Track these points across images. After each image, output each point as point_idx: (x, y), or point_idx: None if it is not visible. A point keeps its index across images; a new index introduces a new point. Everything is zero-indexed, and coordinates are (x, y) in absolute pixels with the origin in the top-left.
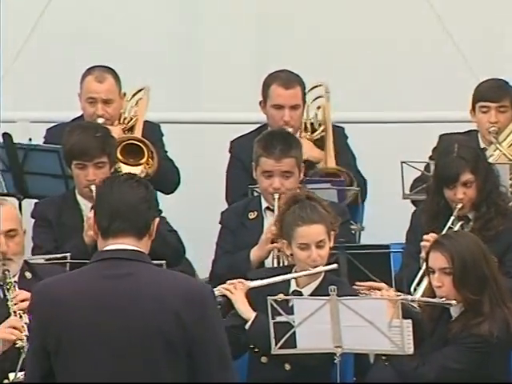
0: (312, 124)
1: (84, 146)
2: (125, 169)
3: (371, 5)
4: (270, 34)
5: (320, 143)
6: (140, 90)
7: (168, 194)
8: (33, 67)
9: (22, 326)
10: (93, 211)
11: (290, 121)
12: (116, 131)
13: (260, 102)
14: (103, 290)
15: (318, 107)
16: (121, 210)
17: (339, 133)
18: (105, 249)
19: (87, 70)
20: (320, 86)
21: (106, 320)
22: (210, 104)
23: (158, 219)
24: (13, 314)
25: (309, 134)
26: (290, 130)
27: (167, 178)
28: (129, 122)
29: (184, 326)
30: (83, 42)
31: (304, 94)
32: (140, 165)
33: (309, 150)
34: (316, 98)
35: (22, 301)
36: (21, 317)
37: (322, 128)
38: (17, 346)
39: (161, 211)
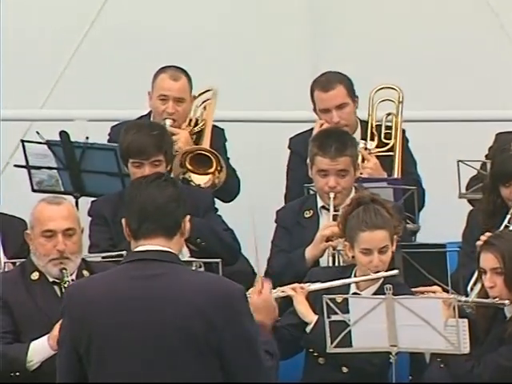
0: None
1: (140, 145)
2: (194, 178)
3: (427, 4)
4: (324, 32)
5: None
6: (207, 91)
7: (226, 202)
8: (91, 65)
9: None
10: None
11: (340, 121)
12: (183, 135)
13: (314, 109)
14: (132, 291)
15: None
16: (149, 211)
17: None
18: (135, 250)
19: (161, 68)
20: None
21: (134, 321)
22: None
23: (188, 217)
24: None
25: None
26: (346, 128)
27: (229, 188)
28: (195, 124)
29: (212, 327)
30: (142, 41)
31: (352, 91)
32: (208, 174)
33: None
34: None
35: None
36: None
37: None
38: None
39: (216, 209)
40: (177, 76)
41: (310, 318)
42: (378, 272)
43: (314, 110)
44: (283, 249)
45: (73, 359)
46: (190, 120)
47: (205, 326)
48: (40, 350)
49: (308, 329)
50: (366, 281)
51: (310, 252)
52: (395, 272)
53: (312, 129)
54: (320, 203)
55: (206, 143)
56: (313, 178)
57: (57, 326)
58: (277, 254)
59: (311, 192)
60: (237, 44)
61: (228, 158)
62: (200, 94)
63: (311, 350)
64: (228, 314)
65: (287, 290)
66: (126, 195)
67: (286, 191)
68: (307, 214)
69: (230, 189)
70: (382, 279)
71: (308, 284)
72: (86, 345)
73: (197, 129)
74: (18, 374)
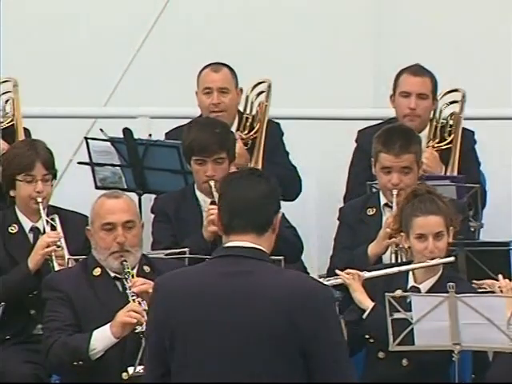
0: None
1: (203, 142)
2: None
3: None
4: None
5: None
6: (261, 83)
7: (289, 201)
8: (154, 63)
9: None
10: (213, 206)
11: (417, 109)
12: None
13: (390, 97)
14: (219, 287)
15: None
16: (240, 207)
17: (468, 137)
18: (225, 245)
19: (203, 67)
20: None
21: (219, 317)
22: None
23: (280, 214)
24: (132, 300)
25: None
26: (417, 119)
27: (290, 186)
28: (251, 122)
29: (296, 328)
30: (205, 39)
31: (435, 89)
32: None
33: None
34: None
35: (140, 285)
36: (139, 303)
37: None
38: (136, 331)
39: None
40: (217, 68)
41: (367, 304)
42: (433, 259)
43: (392, 98)
44: (346, 246)
45: (160, 351)
46: (246, 120)
47: (288, 326)
48: (102, 337)
49: (364, 315)
50: (422, 268)
51: (372, 249)
52: (451, 259)
53: (380, 123)
54: (383, 200)
55: (261, 143)
56: (376, 175)
57: (119, 314)
58: (340, 251)
59: (374, 189)
60: (299, 41)
61: (287, 153)
62: (254, 86)
63: (369, 339)
64: (312, 315)
65: (343, 277)
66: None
67: (348, 187)
68: (370, 212)
69: (291, 187)
70: (441, 272)
71: (364, 272)
72: (170, 338)
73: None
74: (80, 362)
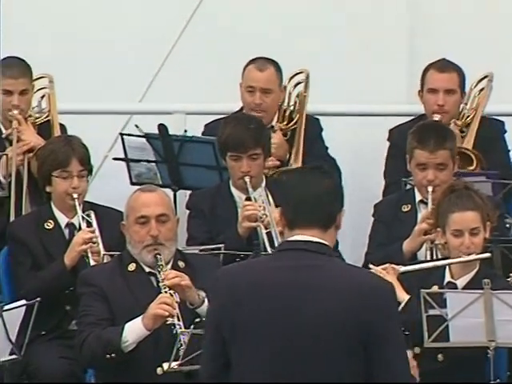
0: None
1: (239, 138)
2: None
3: None
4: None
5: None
6: (298, 73)
7: None
8: (189, 59)
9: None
10: (248, 202)
11: (445, 105)
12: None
13: (418, 92)
14: (281, 281)
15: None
16: (305, 202)
17: (497, 127)
18: (289, 239)
19: (250, 60)
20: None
21: (280, 311)
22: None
23: (343, 211)
24: (163, 292)
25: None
26: (445, 115)
27: None
28: (289, 116)
29: (361, 322)
30: (240, 34)
31: (463, 83)
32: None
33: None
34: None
35: (173, 278)
36: (171, 295)
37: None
38: (168, 323)
39: None
40: (263, 67)
41: (403, 297)
42: (470, 255)
43: (420, 93)
44: (381, 243)
45: (217, 344)
46: (284, 111)
47: (352, 322)
48: (134, 329)
49: (400, 307)
50: (458, 263)
51: (407, 246)
52: (488, 255)
53: (411, 120)
54: (418, 197)
55: (301, 134)
56: (411, 172)
57: (151, 306)
58: (374, 248)
59: (409, 186)
60: (336, 36)
61: (326, 148)
62: (292, 77)
63: (405, 331)
64: (375, 312)
65: (378, 270)
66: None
67: (385, 184)
68: (405, 208)
69: None
70: (478, 268)
71: (399, 266)
72: (229, 332)
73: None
74: (113, 355)
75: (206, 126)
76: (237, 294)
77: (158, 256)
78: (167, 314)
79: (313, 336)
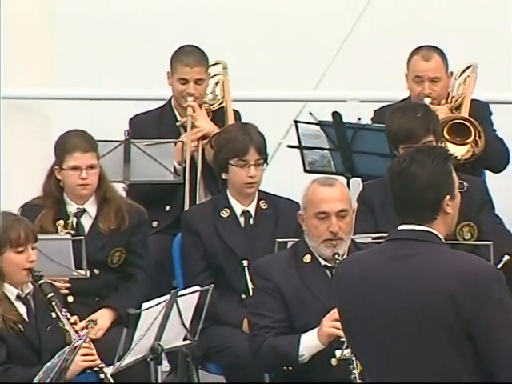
0: None
1: (408, 130)
2: (451, 148)
3: None
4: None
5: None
6: (468, 67)
7: (496, 172)
8: (364, 47)
9: None
10: None
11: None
12: (443, 111)
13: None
14: (388, 270)
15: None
16: (410, 189)
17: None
18: (397, 229)
19: (414, 49)
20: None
21: (382, 301)
22: None
23: (448, 196)
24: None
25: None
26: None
27: (494, 157)
28: (456, 100)
29: (460, 309)
30: (414, 22)
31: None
32: (466, 144)
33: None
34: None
35: None
36: None
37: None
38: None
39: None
40: (428, 56)
41: None
42: None
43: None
44: None
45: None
46: (453, 97)
47: (453, 310)
48: (310, 346)
49: None
50: None
51: None
52: None
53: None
54: None
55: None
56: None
57: (325, 323)
58: None
59: None
60: None
61: (495, 130)
62: (462, 73)
63: None
64: (478, 300)
65: None
66: (388, 172)
67: None
68: None
69: (496, 158)
70: None
71: None
72: (347, 325)
73: (457, 104)
74: (290, 368)
75: (375, 111)
76: (347, 289)
77: (336, 256)
78: (342, 333)
79: (414, 325)
